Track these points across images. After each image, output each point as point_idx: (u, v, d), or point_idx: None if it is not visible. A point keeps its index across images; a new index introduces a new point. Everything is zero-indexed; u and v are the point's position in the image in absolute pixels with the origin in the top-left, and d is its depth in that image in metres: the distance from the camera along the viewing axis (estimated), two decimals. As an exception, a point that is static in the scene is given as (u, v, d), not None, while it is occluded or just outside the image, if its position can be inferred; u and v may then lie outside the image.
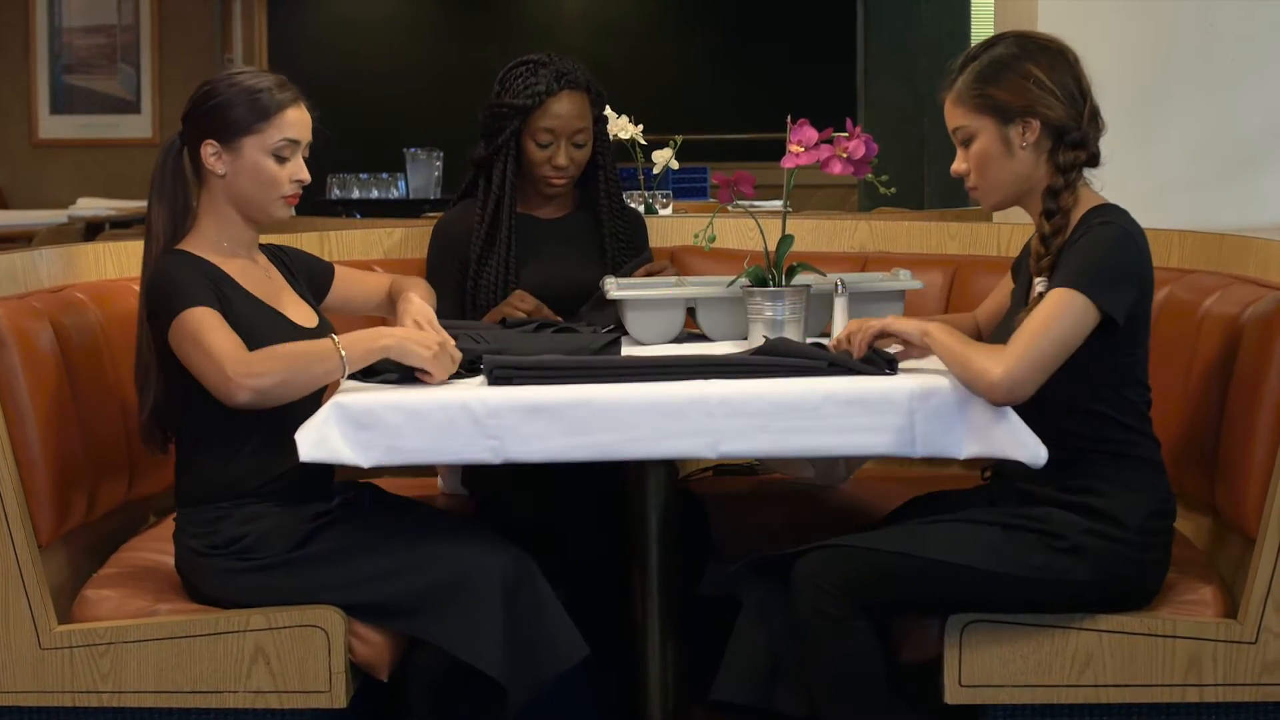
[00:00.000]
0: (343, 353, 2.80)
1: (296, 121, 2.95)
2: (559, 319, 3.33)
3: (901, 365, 2.81)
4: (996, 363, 2.64)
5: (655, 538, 3.00)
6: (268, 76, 2.96)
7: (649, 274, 3.50)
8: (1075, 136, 2.81)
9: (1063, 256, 2.75)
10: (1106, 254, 2.72)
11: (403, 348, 2.81)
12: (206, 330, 2.80)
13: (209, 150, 2.93)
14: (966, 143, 2.86)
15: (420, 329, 2.92)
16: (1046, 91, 2.80)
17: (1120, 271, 2.73)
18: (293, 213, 3.01)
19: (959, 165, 2.89)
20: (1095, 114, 2.84)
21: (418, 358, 2.80)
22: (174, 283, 2.85)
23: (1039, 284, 2.79)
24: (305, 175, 2.96)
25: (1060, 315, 2.68)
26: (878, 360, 2.76)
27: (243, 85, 2.93)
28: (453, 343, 2.87)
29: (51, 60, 11.29)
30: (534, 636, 2.82)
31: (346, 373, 2.80)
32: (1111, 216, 2.78)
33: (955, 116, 2.87)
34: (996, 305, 3.10)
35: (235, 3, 11.64)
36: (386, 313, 3.19)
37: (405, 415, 2.65)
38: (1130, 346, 2.78)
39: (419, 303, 3.03)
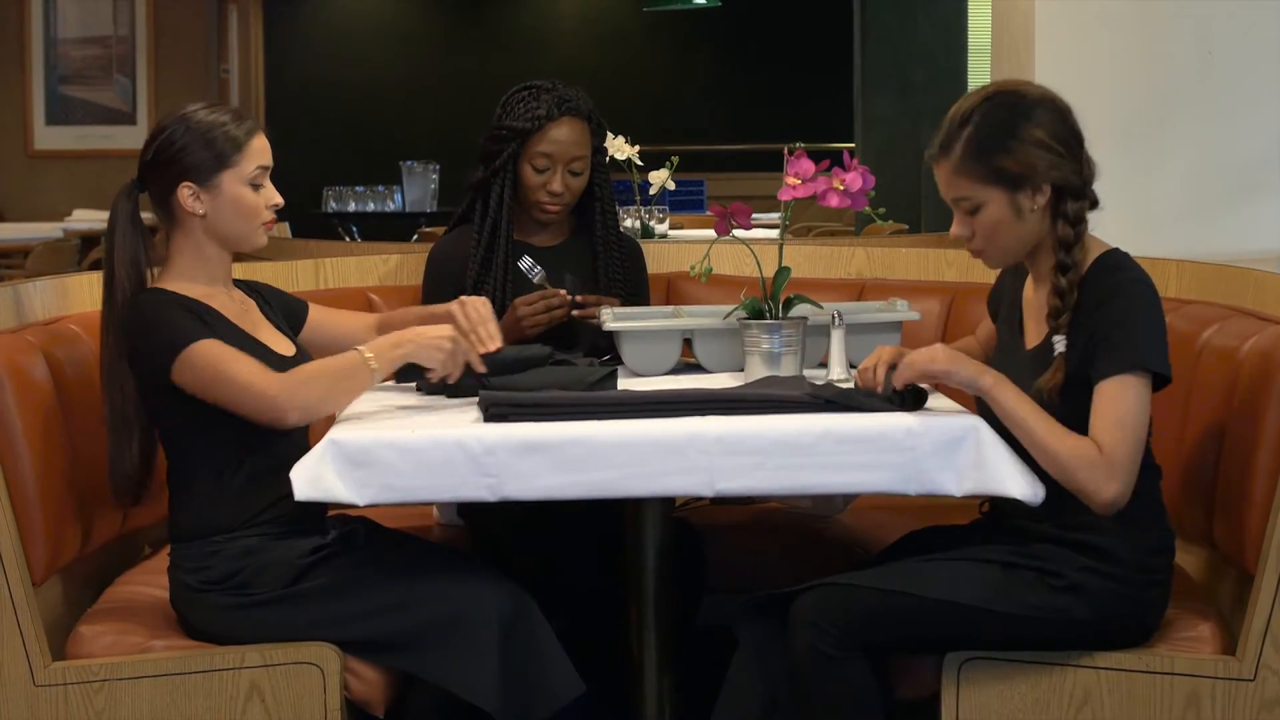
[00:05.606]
0: (374, 365, 2.84)
1: (263, 148, 2.98)
2: (564, 293, 3.37)
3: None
4: (1107, 480, 2.65)
5: (652, 571, 2.99)
6: (222, 109, 2.97)
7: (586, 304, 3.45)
8: (1079, 188, 2.77)
9: (1096, 322, 2.71)
10: (1145, 317, 2.71)
11: (420, 352, 2.87)
12: (226, 361, 2.81)
13: (186, 193, 2.93)
14: (973, 211, 2.80)
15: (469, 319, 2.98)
16: (1052, 154, 2.75)
17: (1159, 330, 2.73)
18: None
19: (960, 230, 2.82)
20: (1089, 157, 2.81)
21: (432, 359, 2.86)
22: (164, 321, 2.85)
23: (1058, 342, 2.75)
24: (279, 199, 2.99)
25: (1133, 406, 2.67)
26: (895, 397, 2.72)
27: (204, 122, 2.93)
28: (464, 342, 2.90)
29: (47, 71, 11.29)
30: (530, 673, 2.81)
31: (376, 382, 2.85)
32: (1127, 269, 2.76)
33: (958, 187, 2.79)
34: (987, 334, 3.09)
35: (231, 14, 11.64)
36: None
37: (401, 453, 2.64)
38: None
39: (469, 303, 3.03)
